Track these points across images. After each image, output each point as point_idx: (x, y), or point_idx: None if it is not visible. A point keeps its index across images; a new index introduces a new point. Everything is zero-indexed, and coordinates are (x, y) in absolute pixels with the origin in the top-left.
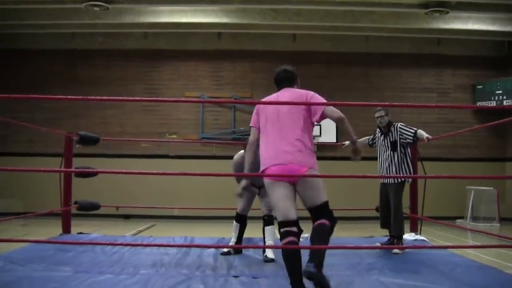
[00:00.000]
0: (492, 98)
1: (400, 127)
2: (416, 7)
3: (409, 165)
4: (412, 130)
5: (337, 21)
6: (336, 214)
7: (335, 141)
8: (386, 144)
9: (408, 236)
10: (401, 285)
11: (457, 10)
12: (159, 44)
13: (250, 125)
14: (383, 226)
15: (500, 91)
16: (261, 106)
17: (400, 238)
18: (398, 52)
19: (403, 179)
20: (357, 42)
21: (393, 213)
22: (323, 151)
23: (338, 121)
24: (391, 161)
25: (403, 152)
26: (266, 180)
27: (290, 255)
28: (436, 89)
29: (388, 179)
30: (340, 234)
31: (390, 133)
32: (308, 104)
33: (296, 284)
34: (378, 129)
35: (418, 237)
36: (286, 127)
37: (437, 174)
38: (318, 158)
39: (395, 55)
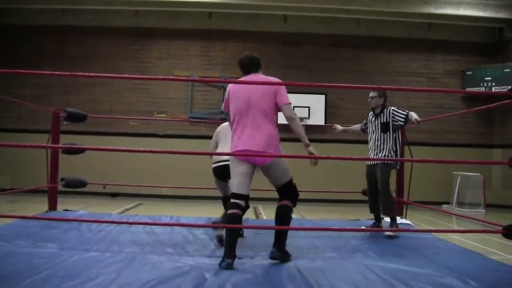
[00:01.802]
0: (481, 85)
1: (393, 110)
2: None
3: (398, 150)
4: (404, 113)
5: (328, 3)
6: (322, 196)
7: (323, 123)
8: (376, 125)
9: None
10: (385, 268)
11: None
12: (150, 22)
13: (223, 109)
14: (372, 210)
15: (489, 78)
16: (233, 91)
17: (393, 219)
18: (389, 36)
19: (390, 162)
20: (348, 25)
21: (382, 194)
22: (311, 133)
23: (289, 120)
24: (382, 142)
25: (394, 136)
26: (231, 158)
27: (233, 225)
28: (426, 74)
29: (376, 160)
30: (326, 216)
31: (382, 115)
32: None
33: (230, 252)
34: (371, 111)
35: (403, 221)
36: (257, 116)
37: (424, 158)
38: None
39: (386, 38)
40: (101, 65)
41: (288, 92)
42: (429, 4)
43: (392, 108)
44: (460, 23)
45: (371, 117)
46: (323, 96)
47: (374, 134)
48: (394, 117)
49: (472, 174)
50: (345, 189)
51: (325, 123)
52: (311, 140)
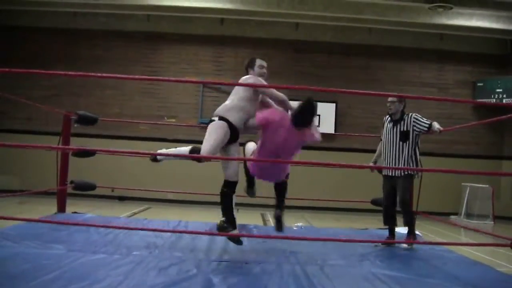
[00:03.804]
0: (492, 96)
1: (415, 117)
2: (420, 2)
3: (418, 159)
4: (428, 122)
5: (340, 11)
6: (329, 204)
7: (333, 131)
8: (395, 133)
9: (402, 230)
10: (393, 277)
11: (461, 6)
12: (161, 27)
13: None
14: (386, 222)
15: (500, 90)
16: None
17: (412, 233)
18: (400, 45)
19: (411, 172)
20: (359, 34)
21: (403, 209)
22: (321, 141)
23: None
24: (401, 152)
25: (414, 145)
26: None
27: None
28: (437, 84)
29: (395, 172)
30: (333, 224)
31: (402, 122)
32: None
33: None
34: (388, 116)
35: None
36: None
37: (433, 168)
38: (316, 148)
39: (397, 48)
40: (111, 69)
41: (299, 99)
42: (441, 14)
43: (415, 115)
44: (472, 34)
45: (387, 123)
46: (333, 105)
47: (391, 142)
48: (416, 125)
49: (481, 185)
50: (352, 197)
51: (335, 131)
52: (321, 148)
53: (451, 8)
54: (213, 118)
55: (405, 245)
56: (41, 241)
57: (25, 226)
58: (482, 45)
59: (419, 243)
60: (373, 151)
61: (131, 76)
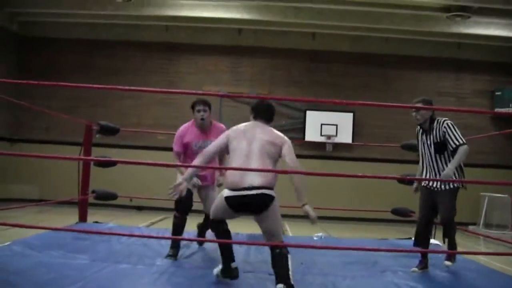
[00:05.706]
0: (511, 105)
1: (446, 126)
2: (438, 11)
3: (462, 167)
4: (458, 142)
5: (357, 21)
6: (345, 214)
7: (350, 141)
8: (428, 144)
9: (434, 241)
10: (414, 287)
11: (478, 15)
12: (179, 38)
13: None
14: (420, 243)
15: None
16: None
17: (454, 248)
18: (417, 55)
19: (455, 185)
20: (376, 43)
21: (448, 226)
22: (338, 151)
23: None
24: (439, 164)
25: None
26: None
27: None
28: (455, 94)
29: (438, 185)
30: (354, 235)
31: (433, 131)
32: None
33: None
34: (417, 126)
35: (432, 241)
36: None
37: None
38: (334, 158)
39: (414, 57)
40: (129, 79)
41: (316, 109)
42: (459, 23)
43: (447, 123)
44: (490, 43)
45: (420, 134)
46: (351, 114)
47: (426, 156)
48: (446, 136)
49: (500, 195)
50: (370, 207)
51: (353, 141)
52: (338, 158)
53: (469, 17)
54: (268, 193)
55: (448, 263)
56: (64, 250)
57: (48, 236)
58: (500, 54)
59: (439, 252)
60: (393, 161)
61: (150, 89)
